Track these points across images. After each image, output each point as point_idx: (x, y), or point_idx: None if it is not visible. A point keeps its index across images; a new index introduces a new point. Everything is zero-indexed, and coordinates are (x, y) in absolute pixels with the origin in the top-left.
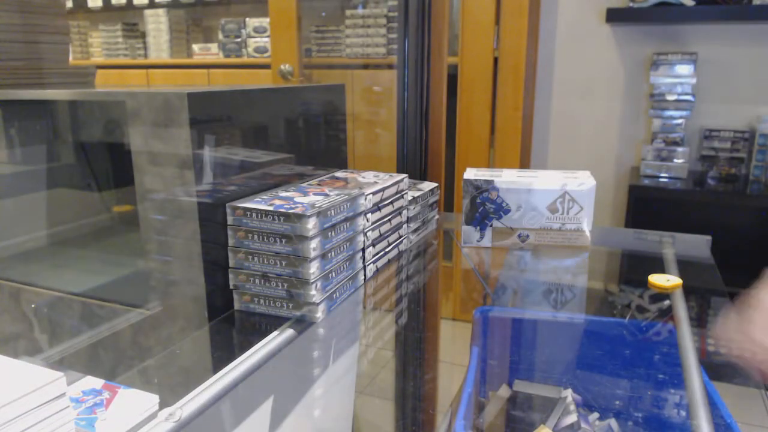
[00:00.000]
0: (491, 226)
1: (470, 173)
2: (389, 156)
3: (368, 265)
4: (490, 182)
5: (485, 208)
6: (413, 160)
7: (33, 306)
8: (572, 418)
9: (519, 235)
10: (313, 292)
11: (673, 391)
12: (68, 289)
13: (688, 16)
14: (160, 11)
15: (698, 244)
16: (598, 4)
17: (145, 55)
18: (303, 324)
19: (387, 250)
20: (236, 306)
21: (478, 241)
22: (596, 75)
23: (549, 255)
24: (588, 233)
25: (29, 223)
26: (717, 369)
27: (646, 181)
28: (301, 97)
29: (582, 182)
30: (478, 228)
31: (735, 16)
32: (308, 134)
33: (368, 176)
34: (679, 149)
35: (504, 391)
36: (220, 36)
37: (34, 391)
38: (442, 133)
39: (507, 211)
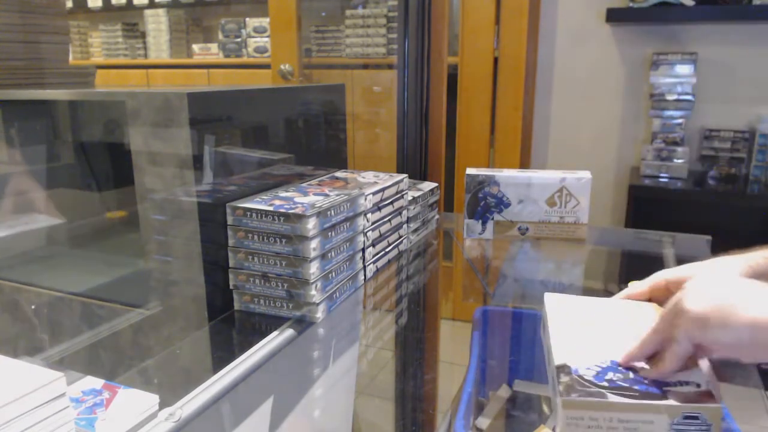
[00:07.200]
0: (492, 219)
1: (471, 171)
2: (389, 156)
3: (368, 265)
4: (491, 177)
5: (487, 202)
6: (413, 160)
7: (33, 306)
8: None
9: (519, 228)
10: (313, 292)
11: None
12: (68, 289)
13: (688, 16)
14: (160, 11)
15: (698, 244)
16: (598, 4)
17: (145, 55)
18: (303, 324)
19: (387, 250)
20: (236, 306)
21: (480, 233)
22: (596, 75)
23: (548, 249)
24: (585, 226)
25: (29, 223)
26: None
27: (646, 181)
28: (301, 97)
29: (579, 177)
30: (480, 221)
31: (735, 16)
32: (308, 134)
33: (368, 176)
34: (679, 149)
35: (504, 391)
36: (220, 36)
37: (34, 391)
38: (442, 133)
39: (507, 205)
